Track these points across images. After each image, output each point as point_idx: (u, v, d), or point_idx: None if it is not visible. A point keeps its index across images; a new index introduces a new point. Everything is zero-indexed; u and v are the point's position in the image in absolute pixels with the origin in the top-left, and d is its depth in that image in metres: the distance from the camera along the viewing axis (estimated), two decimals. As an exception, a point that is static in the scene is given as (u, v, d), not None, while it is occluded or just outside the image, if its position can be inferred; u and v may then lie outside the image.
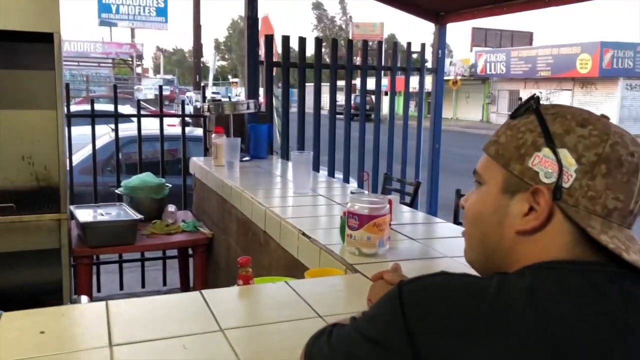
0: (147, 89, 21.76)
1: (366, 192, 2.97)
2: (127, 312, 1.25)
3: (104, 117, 4.19)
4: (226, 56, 60.14)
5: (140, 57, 26.32)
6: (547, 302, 0.68)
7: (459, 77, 26.91)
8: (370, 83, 4.87)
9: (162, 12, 23.89)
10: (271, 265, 2.23)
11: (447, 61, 27.28)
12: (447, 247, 1.82)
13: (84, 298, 1.66)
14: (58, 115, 2.98)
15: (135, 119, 3.95)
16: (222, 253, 3.10)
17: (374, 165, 4.68)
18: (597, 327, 0.68)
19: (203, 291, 1.34)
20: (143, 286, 4.15)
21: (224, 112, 3.64)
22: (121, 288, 4.07)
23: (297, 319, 1.23)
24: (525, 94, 24.17)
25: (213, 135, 3.48)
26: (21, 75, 3.28)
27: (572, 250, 0.75)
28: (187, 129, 5.06)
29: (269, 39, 4.25)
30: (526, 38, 32.11)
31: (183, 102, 4.23)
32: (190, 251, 3.76)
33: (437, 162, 4.90)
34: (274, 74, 4.48)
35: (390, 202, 1.86)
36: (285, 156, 4.30)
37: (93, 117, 3.81)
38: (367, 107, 4.85)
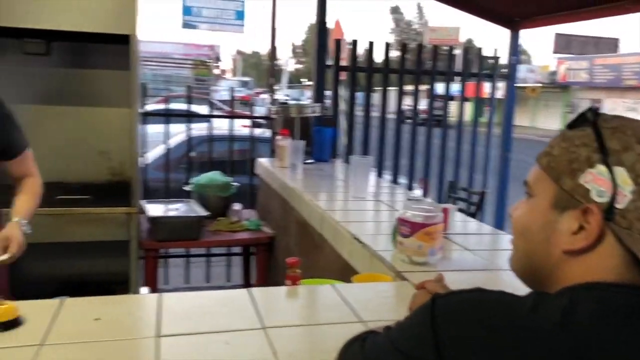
0: (223, 90, 22.35)
1: (428, 199, 2.93)
2: (178, 305, 1.31)
3: (177, 116, 4.36)
4: (302, 59, 60.87)
5: (218, 59, 27.12)
6: (583, 323, 0.66)
7: (538, 85, 25.94)
8: (443, 88, 4.82)
9: (240, 15, 24.50)
10: (325, 268, 2.24)
11: (526, 68, 26.39)
12: (504, 260, 1.76)
13: (144, 289, 1.74)
14: (133, 113, 3.14)
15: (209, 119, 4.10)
16: (282, 253, 3.15)
17: (439, 172, 4.61)
18: (632, 351, 0.65)
19: (251, 289, 1.38)
20: (208, 281, 4.28)
21: (289, 115, 3.70)
22: (187, 282, 4.22)
23: (339, 322, 1.24)
24: (608, 104, 22.98)
25: (278, 137, 3.54)
26: (100, 75, 3.48)
27: (621, 274, 0.72)
28: (260, 131, 5.17)
29: (338, 43, 4.28)
30: (612, 45, 30.55)
31: (252, 104, 4.34)
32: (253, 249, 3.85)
33: (506, 171, 4.76)
34: (343, 77, 4.52)
35: (445, 210, 1.83)
36: (349, 160, 4.32)
37: (167, 116, 3.98)
38: (439, 112, 4.83)
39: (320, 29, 4.03)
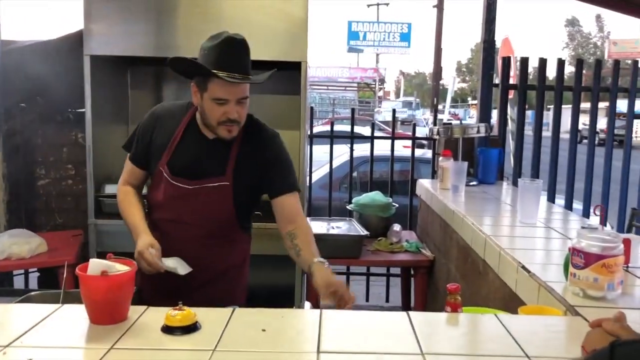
0: (386, 112, 22.71)
1: (606, 228, 2.66)
2: (338, 323, 1.34)
3: (342, 137, 4.51)
4: (467, 78, 59.51)
5: (382, 81, 27.59)
6: None
7: None
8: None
9: (405, 37, 24.75)
10: (488, 296, 2.15)
11: None
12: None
13: (307, 304, 1.80)
14: (301, 135, 3.30)
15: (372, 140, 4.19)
16: (442, 277, 3.08)
17: (621, 198, 4.19)
18: None
19: (410, 312, 1.37)
20: (367, 300, 4.32)
21: (453, 136, 3.63)
22: (346, 299, 4.30)
23: (502, 355, 1.17)
24: None
25: (440, 158, 3.49)
26: (272, 99, 3.72)
27: None
28: (421, 151, 5.13)
29: (506, 61, 4.12)
30: None
31: (414, 125, 4.33)
32: (412, 271, 3.82)
33: None
34: (510, 96, 4.33)
35: (627, 241, 1.66)
36: (516, 183, 4.11)
37: (332, 138, 4.13)
38: (621, 132, 4.44)
39: (487, 47, 3.91)
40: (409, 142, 6.62)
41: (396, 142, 4.28)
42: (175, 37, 3.23)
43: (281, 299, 3.64)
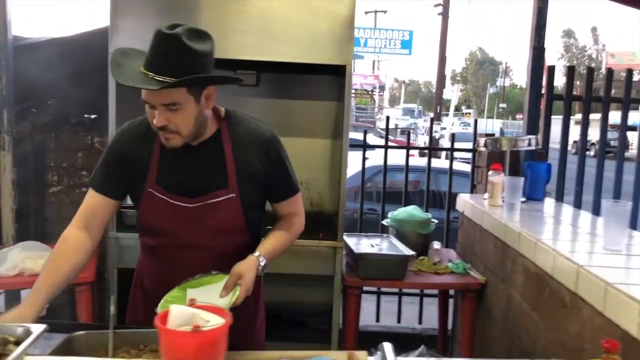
0: (392, 119, 22.53)
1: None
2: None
3: (375, 147, 4.26)
4: (461, 87, 59.75)
5: (382, 88, 27.35)
6: None
7: None
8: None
9: (407, 44, 24.56)
10: (583, 335, 1.88)
11: None
12: None
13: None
14: (344, 144, 3.03)
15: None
16: (499, 304, 2.81)
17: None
18: None
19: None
20: (399, 321, 4.05)
21: (501, 148, 3.38)
22: (377, 320, 4.03)
23: None
24: None
25: (490, 172, 3.23)
26: (308, 106, 3.47)
27: None
28: (422, 160, 4.88)
29: (552, 71, 3.88)
30: None
31: (453, 135, 4.08)
32: (451, 292, 3.56)
33: None
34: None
35: None
36: (560, 198, 3.88)
37: (365, 147, 3.87)
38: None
39: (537, 54, 3.67)
40: (413, 151, 6.37)
41: (402, 151, 4.02)
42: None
43: (315, 319, 3.37)
